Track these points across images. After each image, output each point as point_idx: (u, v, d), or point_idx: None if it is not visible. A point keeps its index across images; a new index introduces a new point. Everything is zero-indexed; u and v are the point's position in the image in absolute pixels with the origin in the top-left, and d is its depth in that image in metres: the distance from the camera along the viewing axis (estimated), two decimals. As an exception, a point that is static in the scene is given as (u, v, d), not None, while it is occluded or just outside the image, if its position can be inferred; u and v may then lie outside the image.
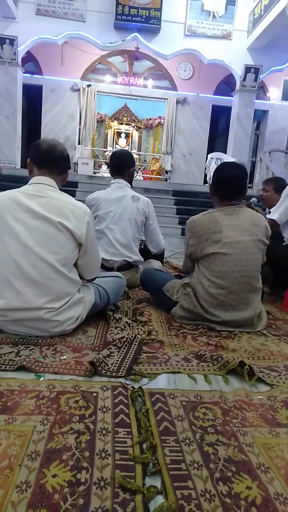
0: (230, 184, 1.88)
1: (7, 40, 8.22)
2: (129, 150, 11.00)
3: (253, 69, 8.77)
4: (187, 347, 1.62)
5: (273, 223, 2.38)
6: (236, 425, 1.08)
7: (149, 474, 0.89)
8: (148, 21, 8.51)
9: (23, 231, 1.51)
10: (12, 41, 8.22)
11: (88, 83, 10.18)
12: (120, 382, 1.28)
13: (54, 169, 1.64)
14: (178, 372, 1.38)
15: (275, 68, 9.06)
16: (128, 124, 11.57)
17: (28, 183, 1.61)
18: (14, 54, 8.31)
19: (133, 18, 8.47)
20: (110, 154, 2.71)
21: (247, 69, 8.77)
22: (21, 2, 8.26)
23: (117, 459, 0.92)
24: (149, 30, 8.63)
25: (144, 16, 8.48)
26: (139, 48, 9.09)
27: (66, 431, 1.01)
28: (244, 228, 1.81)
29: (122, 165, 2.57)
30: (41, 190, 1.57)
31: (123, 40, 8.71)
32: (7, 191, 1.58)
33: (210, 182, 7.88)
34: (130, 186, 2.60)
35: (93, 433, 1.01)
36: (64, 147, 1.71)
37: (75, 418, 1.06)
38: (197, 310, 1.85)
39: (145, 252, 2.70)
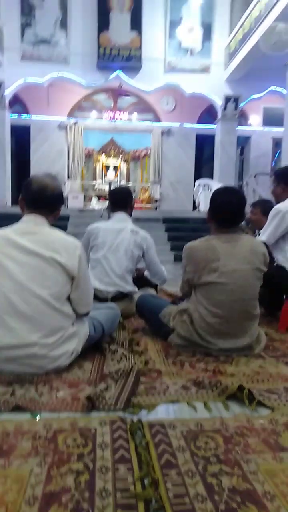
0: (228, 211, 1.82)
1: (-6, 85, 8.54)
2: (118, 181, 11.24)
3: (232, 98, 9.16)
4: (185, 374, 1.59)
5: (262, 245, 2.41)
6: (239, 452, 1.06)
7: (152, 511, 0.85)
8: (129, 60, 8.93)
9: (15, 268, 1.51)
10: (-1, 85, 8.53)
11: (74, 120, 10.51)
12: (119, 415, 1.25)
13: (44, 209, 1.64)
14: (177, 401, 1.35)
15: (253, 96, 9.47)
16: (116, 157, 11.86)
17: (20, 221, 1.64)
18: (1, 97, 8.60)
19: (115, 58, 8.89)
20: (110, 191, 2.82)
21: (227, 99, 9.15)
22: (6, 49, 8.64)
23: (118, 497, 0.89)
24: (130, 68, 9.03)
25: (125, 56, 8.90)
26: (122, 86, 9.47)
27: (64, 472, 0.97)
28: (242, 256, 1.78)
29: (124, 201, 2.68)
30: (32, 227, 1.59)
31: (107, 79, 9.09)
32: None
33: (199, 207, 7.92)
34: (130, 220, 2.66)
35: (93, 472, 0.98)
36: (57, 184, 1.70)
37: (74, 457, 1.03)
38: (194, 338, 1.83)
39: (139, 280, 2.72)
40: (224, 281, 1.75)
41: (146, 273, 2.79)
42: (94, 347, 1.85)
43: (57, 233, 1.63)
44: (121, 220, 2.61)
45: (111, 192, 2.79)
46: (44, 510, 0.85)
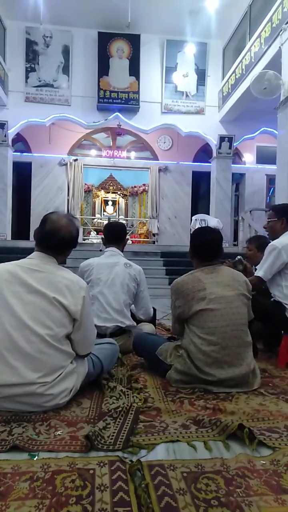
0: (208, 248, 2.02)
1: (-2, 124, 8.88)
2: (117, 216, 11.43)
3: (226, 138, 9.51)
4: (185, 412, 1.58)
5: (259, 280, 2.45)
6: (240, 495, 1.04)
7: None
8: (128, 102, 9.35)
9: (18, 305, 1.52)
10: (3, 125, 8.86)
11: (74, 158, 10.83)
12: (118, 456, 1.23)
13: (51, 252, 1.64)
14: (177, 440, 1.34)
15: (247, 136, 9.85)
16: (115, 193, 12.14)
17: (29, 256, 1.65)
18: (5, 136, 8.91)
19: (114, 101, 9.31)
20: (105, 225, 2.85)
21: (222, 138, 9.51)
22: (11, 92, 9.06)
23: None
24: (129, 110, 9.44)
25: (123, 98, 9.32)
26: (120, 125, 9.85)
27: (62, 515, 0.96)
28: (226, 283, 1.91)
29: (118, 236, 2.73)
30: (38, 264, 1.60)
31: (106, 120, 9.48)
32: (6, 263, 1.61)
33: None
34: (122, 254, 2.69)
35: (92, 515, 0.96)
36: (71, 229, 1.65)
37: (72, 500, 1.01)
38: (192, 371, 1.83)
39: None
40: (214, 307, 1.83)
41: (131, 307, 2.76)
42: (93, 384, 1.84)
43: (63, 273, 1.62)
44: (113, 254, 2.64)
45: (107, 227, 2.81)
46: None
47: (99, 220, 11.68)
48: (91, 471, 1.15)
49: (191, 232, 2.15)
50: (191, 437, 1.36)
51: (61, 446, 1.29)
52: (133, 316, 2.63)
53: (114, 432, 1.37)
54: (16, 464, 1.18)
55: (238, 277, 1.99)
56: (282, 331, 2.40)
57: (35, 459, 1.22)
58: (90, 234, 11.41)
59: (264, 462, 1.21)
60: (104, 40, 9.27)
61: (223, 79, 9.44)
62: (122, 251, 2.72)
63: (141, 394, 1.76)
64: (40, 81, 9.23)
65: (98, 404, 1.66)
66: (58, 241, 1.62)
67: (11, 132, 9.05)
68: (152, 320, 2.95)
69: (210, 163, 10.13)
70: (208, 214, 9.64)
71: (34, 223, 10.13)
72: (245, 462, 1.20)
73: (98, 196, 12.09)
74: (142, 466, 1.17)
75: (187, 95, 9.57)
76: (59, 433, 1.38)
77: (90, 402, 1.68)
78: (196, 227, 8.63)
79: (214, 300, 1.84)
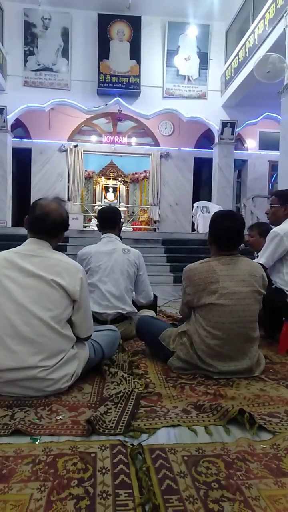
0: (229, 236, 1.86)
1: (-4, 110, 8.76)
2: (118, 203, 11.36)
3: (229, 123, 9.38)
4: (186, 397, 1.59)
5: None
6: (241, 478, 1.05)
7: (153, 538, 0.84)
8: (129, 87, 9.19)
9: (16, 290, 1.53)
10: (2, 110, 8.73)
11: (74, 144, 10.71)
12: (119, 439, 1.25)
13: (46, 235, 1.65)
14: (178, 425, 1.35)
15: (249, 121, 9.71)
16: (115, 179, 12.03)
17: (23, 243, 1.66)
18: (4, 121, 8.80)
19: (114, 85, 9.15)
20: (98, 211, 2.79)
21: (224, 124, 9.38)
22: (9, 76, 8.91)
23: (119, 524, 0.88)
24: (129, 95, 9.29)
25: (124, 83, 9.16)
26: (121, 110, 9.71)
27: (64, 497, 0.97)
28: (241, 278, 1.80)
29: (112, 221, 2.68)
30: (35, 249, 1.61)
31: (106, 105, 9.33)
32: (1, 251, 1.62)
33: (198, 228, 7.94)
34: (119, 240, 2.67)
35: (93, 497, 0.97)
36: (61, 211, 1.67)
37: (74, 482, 1.02)
38: (194, 360, 1.83)
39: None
40: (224, 303, 1.77)
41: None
42: (94, 370, 1.85)
43: (60, 256, 1.65)
44: (110, 241, 2.61)
45: (101, 212, 2.76)
46: (44, 537, 0.84)
47: (100, 208, 11.61)
48: (93, 455, 1.16)
49: (212, 216, 1.99)
50: (192, 421, 1.37)
51: (62, 430, 1.31)
52: (133, 303, 2.62)
53: (115, 417, 1.38)
54: (18, 448, 1.19)
55: (255, 272, 1.85)
56: (283, 318, 2.40)
57: (37, 442, 1.23)
58: (90, 221, 11.36)
59: (264, 446, 1.22)
60: (104, 22, 9.06)
61: (225, 63, 9.26)
62: (118, 235, 2.70)
63: (142, 379, 1.77)
64: (39, 64, 9.07)
65: (99, 389, 1.67)
66: (50, 224, 1.64)
67: (10, 117, 8.94)
68: (153, 306, 2.95)
69: (212, 149, 10.01)
70: (210, 201, 9.58)
71: (35, 210, 10.08)
72: (246, 446, 1.21)
73: (98, 183, 11.99)
74: (143, 449, 1.18)
75: (189, 79, 9.40)
76: (61, 418, 1.39)
77: (91, 387, 1.69)
78: (198, 214, 8.56)
79: (225, 295, 1.77)
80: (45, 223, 1.63)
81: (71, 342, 1.65)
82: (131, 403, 1.49)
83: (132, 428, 1.32)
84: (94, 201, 11.91)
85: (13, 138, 9.44)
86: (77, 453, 1.16)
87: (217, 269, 1.81)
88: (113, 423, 1.34)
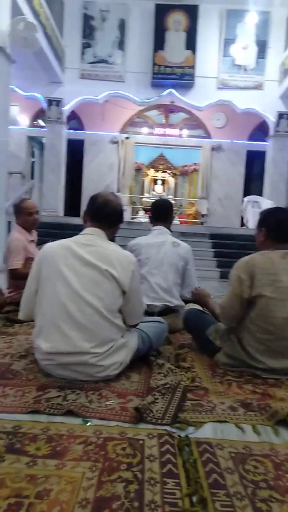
0: (285, 228, 1.86)
1: (54, 102, 9.06)
2: (166, 196, 11.34)
3: (286, 115, 8.99)
4: (233, 395, 1.58)
5: None
6: (290, 480, 1.03)
7: (200, 529, 0.86)
8: (183, 78, 9.09)
9: (72, 277, 1.60)
10: (58, 103, 9.03)
11: (126, 135, 10.81)
12: (166, 430, 1.27)
13: (104, 223, 1.75)
14: (225, 421, 1.35)
15: (308, 113, 9.23)
16: (164, 172, 12.01)
17: (81, 233, 1.74)
18: (60, 113, 9.09)
19: (168, 76, 9.09)
20: (152, 203, 2.83)
21: (280, 115, 9.00)
22: (67, 69, 9.15)
23: (167, 511, 0.91)
24: (183, 86, 9.18)
25: (178, 74, 9.07)
26: (174, 102, 9.64)
27: (114, 479, 1.01)
28: None
29: (165, 213, 2.71)
30: (91, 239, 1.69)
31: (159, 96, 9.30)
32: (61, 240, 1.71)
33: (247, 224, 7.72)
34: (170, 232, 2.68)
35: (141, 482, 1.00)
36: (119, 203, 1.81)
37: (123, 466, 1.06)
38: (241, 357, 1.81)
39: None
40: (279, 297, 1.73)
41: None
42: (141, 360, 1.88)
43: (114, 247, 1.71)
44: (160, 233, 2.63)
45: (154, 204, 2.80)
46: (96, 514, 0.89)
47: (148, 200, 11.66)
48: (141, 442, 1.19)
49: (263, 212, 1.99)
50: (239, 419, 1.37)
51: (111, 415, 1.35)
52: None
53: (162, 407, 1.41)
54: (71, 428, 1.26)
55: None
56: None
57: (88, 424, 1.29)
58: (138, 213, 11.46)
59: (315, 451, 1.19)
60: (161, 12, 8.99)
61: (285, 51, 8.83)
62: (169, 228, 2.71)
63: (188, 373, 1.78)
64: (95, 57, 9.22)
65: (146, 379, 1.70)
66: (111, 211, 1.75)
67: (66, 109, 9.20)
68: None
69: (266, 142, 9.66)
70: (261, 196, 9.27)
71: (85, 201, 10.34)
72: (295, 449, 1.19)
73: (147, 175, 12.04)
74: (190, 442, 1.19)
75: (245, 69, 9.10)
76: (110, 403, 1.44)
77: (139, 376, 1.73)
78: (248, 209, 8.32)
79: (281, 289, 1.72)
80: (106, 210, 1.74)
81: (121, 331, 1.70)
82: (177, 395, 1.51)
83: (179, 420, 1.34)
84: (142, 193, 11.98)
85: (67, 129, 9.72)
86: (126, 439, 1.20)
87: (275, 261, 1.77)
88: (160, 413, 1.37)
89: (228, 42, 9.09)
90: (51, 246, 1.71)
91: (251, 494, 0.97)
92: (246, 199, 8.99)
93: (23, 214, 3.07)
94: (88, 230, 1.74)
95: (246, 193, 10.31)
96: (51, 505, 0.91)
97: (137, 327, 1.89)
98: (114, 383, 1.62)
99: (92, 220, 1.76)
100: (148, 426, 1.30)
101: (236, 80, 9.17)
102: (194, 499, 0.95)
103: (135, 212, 11.47)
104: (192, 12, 8.96)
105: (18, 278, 2.88)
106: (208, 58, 9.16)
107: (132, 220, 10.12)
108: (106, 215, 1.74)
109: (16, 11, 5.57)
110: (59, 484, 0.98)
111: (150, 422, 1.32)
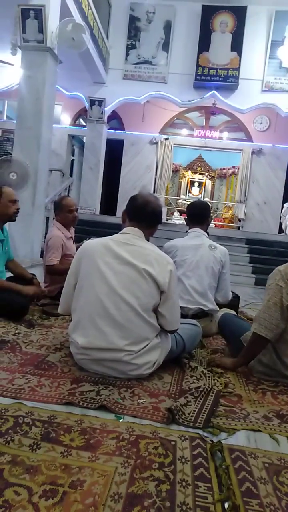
0: None
1: (96, 102, 9.21)
2: (202, 198, 11.25)
3: None
4: (267, 404, 1.54)
5: None
6: None
7: (232, 536, 0.85)
8: (226, 80, 8.96)
9: (110, 275, 1.62)
10: (101, 103, 9.17)
11: (165, 136, 10.81)
12: (198, 433, 1.26)
13: (143, 223, 1.76)
14: (259, 430, 1.32)
15: None
16: (202, 174, 11.91)
17: (120, 232, 1.76)
18: (101, 113, 9.23)
19: (212, 78, 8.99)
20: (189, 204, 2.80)
21: None
22: (111, 69, 9.29)
23: (199, 514, 0.90)
24: (226, 88, 9.05)
25: (222, 76, 8.95)
26: (216, 104, 9.53)
27: (146, 477, 1.02)
28: None
29: (202, 215, 2.67)
30: (130, 239, 1.70)
31: (201, 98, 9.23)
32: (100, 238, 1.74)
33: (286, 230, 7.51)
34: (207, 235, 2.66)
35: (173, 483, 1.01)
36: (158, 204, 1.80)
37: (155, 465, 1.07)
38: (278, 367, 1.76)
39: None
40: None
41: None
42: (174, 361, 1.88)
43: (152, 247, 1.72)
44: (197, 236, 2.60)
45: (191, 206, 2.76)
46: (127, 510, 0.90)
47: (183, 201, 11.61)
48: (173, 443, 1.19)
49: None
50: (273, 429, 1.34)
51: (144, 414, 1.36)
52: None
53: (194, 410, 1.40)
54: (104, 422, 1.28)
55: None
56: None
57: (120, 420, 1.31)
58: (173, 214, 11.44)
59: None
60: (208, 13, 8.91)
61: None
62: (205, 231, 2.68)
63: (221, 378, 1.76)
64: (139, 58, 9.28)
65: (179, 381, 1.70)
66: (150, 212, 1.75)
67: (108, 109, 9.33)
68: (235, 307, 2.90)
69: (310, 147, 9.35)
70: (302, 202, 8.98)
71: (122, 200, 10.46)
72: None
73: (184, 177, 11.99)
74: (222, 448, 1.18)
75: (292, 72, 8.85)
76: (142, 402, 1.45)
77: (171, 378, 1.73)
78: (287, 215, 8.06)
79: None
80: (146, 211, 1.74)
81: (156, 331, 1.70)
82: (210, 400, 1.50)
83: (212, 424, 1.32)
84: (179, 195, 11.95)
85: (108, 129, 9.86)
86: (158, 438, 1.21)
87: None
88: (192, 416, 1.36)
89: (275, 44, 8.87)
90: (91, 243, 1.74)
91: (285, 507, 0.95)
92: (286, 204, 8.74)
93: (63, 211, 3.15)
94: (127, 229, 1.75)
95: (286, 199, 10.02)
96: (84, 496, 0.93)
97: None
98: (147, 383, 1.63)
99: (131, 220, 1.77)
100: (180, 428, 1.30)
101: (282, 82, 8.93)
102: (226, 505, 0.94)
103: (170, 213, 11.45)
104: (239, 14, 8.82)
105: (54, 273, 2.97)
106: (253, 60, 8.98)
107: (166, 222, 10.11)
108: (145, 216, 1.75)
109: (64, 11, 5.72)
110: (92, 476, 1.00)
111: (182, 424, 1.31)
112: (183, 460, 1.11)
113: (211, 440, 1.22)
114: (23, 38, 5.20)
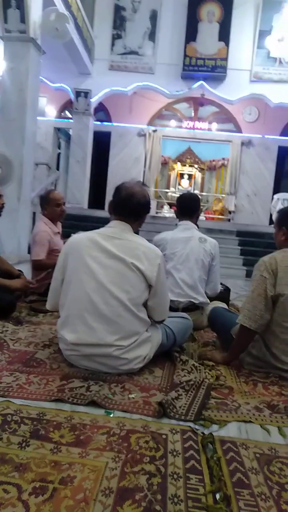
0: None
1: (82, 93, 9.09)
2: (192, 191, 11.23)
3: None
4: (258, 395, 1.55)
5: None
6: None
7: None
8: (214, 70, 8.91)
9: (98, 269, 1.60)
10: (86, 94, 9.05)
11: (154, 128, 10.74)
12: (190, 426, 1.26)
13: (129, 217, 1.71)
14: (250, 421, 1.33)
15: None
16: (191, 166, 11.87)
17: (106, 225, 1.73)
18: (88, 105, 9.12)
19: (200, 68, 8.93)
20: (178, 197, 2.77)
21: (315, 110, 8.70)
22: (96, 60, 9.15)
23: (190, 506, 0.90)
24: (214, 78, 9.00)
25: (210, 66, 8.90)
26: (204, 95, 9.48)
27: (137, 471, 1.01)
28: None
29: (191, 208, 2.65)
30: (117, 232, 1.67)
31: (189, 89, 9.17)
32: (86, 232, 1.71)
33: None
34: (197, 228, 2.65)
35: (164, 476, 1.00)
36: (144, 193, 1.73)
37: (146, 459, 1.07)
38: (267, 358, 1.77)
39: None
40: None
41: None
42: (164, 355, 1.88)
43: (140, 240, 1.69)
44: (187, 228, 2.58)
45: (180, 198, 2.72)
46: (118, 504, 0.89)
47: (173, 194, 11.57)
48: (164, 436, 1.19)
49: (281, 211, 1.95)
50: (264, 420, 1.34)
51: (134, 408, 1.36)
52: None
53: (185, 404, 1.40)
54: (94, 418, 1.27)
55: None
56: None
57: (111, 416, 1.30)
58: (163, 207, 11.41)
59: None
60: (195, 2, 8.81)
61: None
62: (195, 223, 2.67)
63: (212, 371, 1.76)
64: (125, 48, 9.16)
65: (170, 374, 1.70)
66: (135, 205, 1.69)
67: (94, 101, 9.21)
68: (226, 299, 2.90)
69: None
70: (292, 193, 9.01)
71: (110, 194, 10.36)
72: None
73: (174, 169, 11.94)
74: (214, 440, 1.18)
75: (280, 62, 8.82)
76: (133, 396, 1.45)
77: (162, 371, 1.73)
78: (278, 207, 8.11)
79: None
80: (130, 204, 1.69)
81: (146, 325, 1.69)
82: (201, 393, 1.50)
83: (203, 417, 1.33)
84: (168, 187, 11.91)
85: (94, 121, 9.74)
86: (149, 432, 1.20)
87: None
88: (183, 409, 1.36)
89: (263, 33, 8.82)
90: (77, 237, 1.71)
91: (276, 495, 0.95)
92: (276, 196, 8.76)
93: (50, 205, 3.10)
94: (113, 223, 1.72)
95: (276, 190, 10.06)
96: (75, 492, 0.92)
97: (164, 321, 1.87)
98: (137, 377, 1.63)
99: (116, 213, 1.73)
100: (171, 422, 1.30)
101: (271, 73, 8.91)
102: (218, 496, 0.94)
103: (160, 206, 11.42)
104: (226, 3, 8.74)
105: (40, 268, 2.92)
106: (241, 50, 8.93)
107: (156, 215, 10.09)
108: (131, 209, 1.70)
109: (47, 1, 5.59)
110: (83, 472, 0.99)
111: (173, 418, 1.31)
112: (175, 453, 1.10)
113: (203, 433, 1.23)
114: (5, 28, 5.08)
